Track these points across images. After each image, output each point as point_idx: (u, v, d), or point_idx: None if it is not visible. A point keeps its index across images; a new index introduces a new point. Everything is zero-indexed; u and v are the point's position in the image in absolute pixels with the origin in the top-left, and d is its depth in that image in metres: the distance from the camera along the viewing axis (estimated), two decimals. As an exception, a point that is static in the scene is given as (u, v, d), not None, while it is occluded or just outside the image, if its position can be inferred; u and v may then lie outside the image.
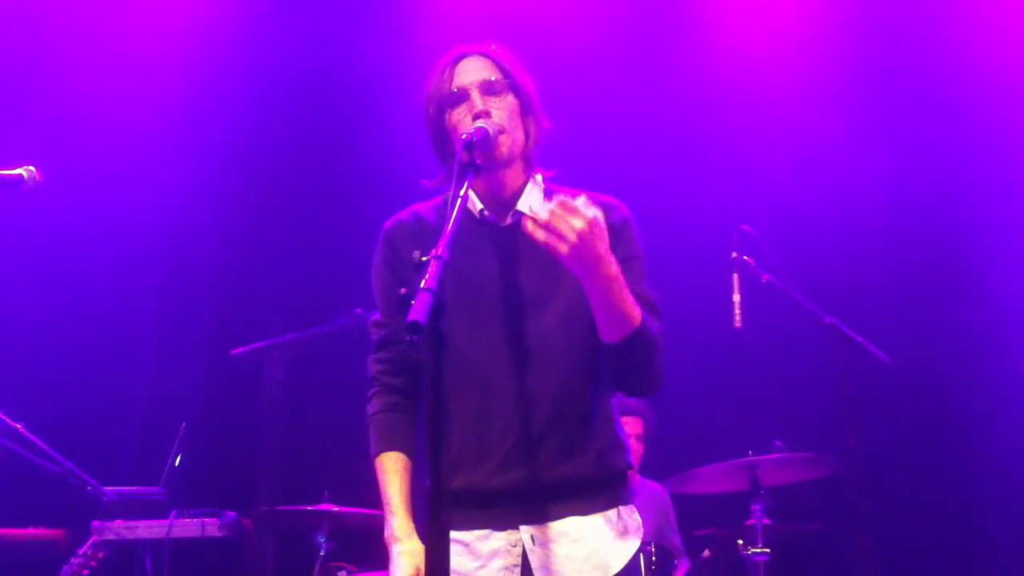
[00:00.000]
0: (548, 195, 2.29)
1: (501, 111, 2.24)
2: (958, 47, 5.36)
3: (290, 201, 5.54)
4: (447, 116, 2.28)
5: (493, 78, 2.26)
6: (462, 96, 2.26)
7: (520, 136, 2.28)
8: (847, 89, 5.44)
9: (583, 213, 1.95)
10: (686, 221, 5.28)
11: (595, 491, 2.25)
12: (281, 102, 5.54)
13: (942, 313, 5.23)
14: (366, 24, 5.56)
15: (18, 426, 4.03)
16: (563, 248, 1.95)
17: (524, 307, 2.24)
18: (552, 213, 1.94)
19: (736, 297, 4.20)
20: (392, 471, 2.27)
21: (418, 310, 1.71)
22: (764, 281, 4.23)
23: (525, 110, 2.29)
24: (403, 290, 1.79)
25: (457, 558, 2.18)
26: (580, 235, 1.94)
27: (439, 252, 1.81)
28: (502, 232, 2.30)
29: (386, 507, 2.26)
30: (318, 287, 5.27)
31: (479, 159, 2.12)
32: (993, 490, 5.09)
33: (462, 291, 2.20)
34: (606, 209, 2.17)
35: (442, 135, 2.30)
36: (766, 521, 4.19)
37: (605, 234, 1.99)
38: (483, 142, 2.15)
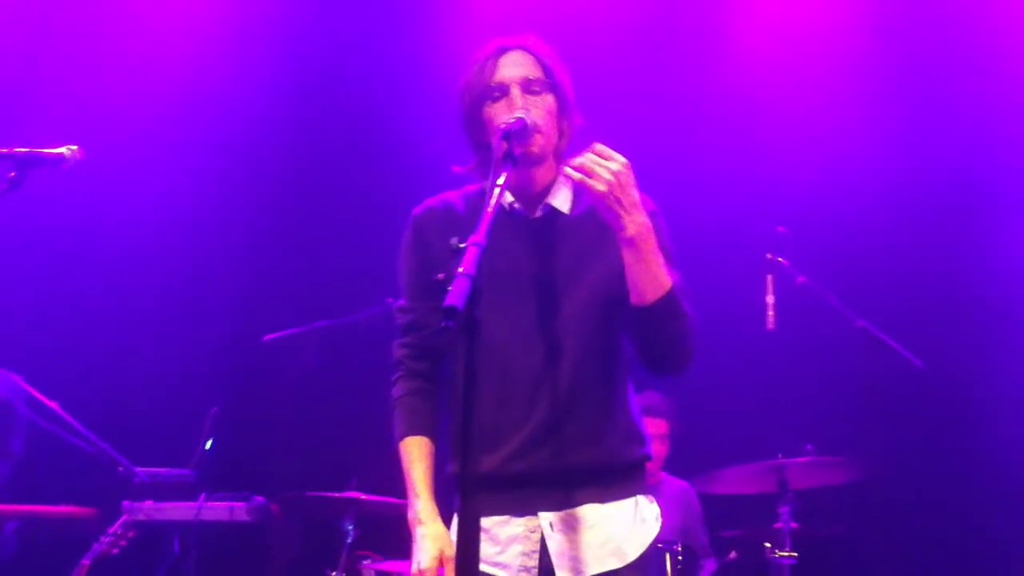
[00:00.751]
0: (578, 189, 2.31)
1: (539, 110, 2.25)
2: (996, 43, 5.29)
3: (324, 187, 5.56)
4: (485, 108, 2.28)
5: (533, 76, 2.27)
6: (502, 91, 2.27)
7: (554, 135, 2.29)
8: (881, 89, 5.38)
9: (617, 157, 2.08)
10: (720, 221, 5.25)
11: (613, 479, 2.26)
12: (317, 89, 5.56)
13: (976, 318, 5.17)
14: (400, 10, 5.58)
15: (53, 405, 4.09)
16: (600, 186, 2.06)
17: (548, 296, 2.25)
18: (588, 157, 2.07)
19: (770, 298, 4.17)
20: (416, 455, 2.29)
21: (455, 295, 1.72)
22: (798, 283, 4.20)
23: (561, 108, 2.30)
24: (440, 275, 1.80)
25: (477, 544, 2.19)
26: (616, 175, 2.05)
27: (477, 238, 1.83)
28: (531, 224, 2.31)
29: (410, 490, 2.28)
30: (350, 274, 5.28)
31: (517, 149, 2.13)
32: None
33: (488, 279, 2.21)
34: None
35: (477, 125, 2.30)
36: (793, 525, 4.15)
37: (635, 182, 2.10)
38: (521, 132, 2.16)
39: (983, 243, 5.23)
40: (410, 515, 2.27)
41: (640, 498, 2.29)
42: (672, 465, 4.67)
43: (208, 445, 4.36)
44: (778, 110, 5.41)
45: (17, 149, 2.45)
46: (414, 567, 2.21)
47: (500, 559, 2.23)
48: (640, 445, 2.31)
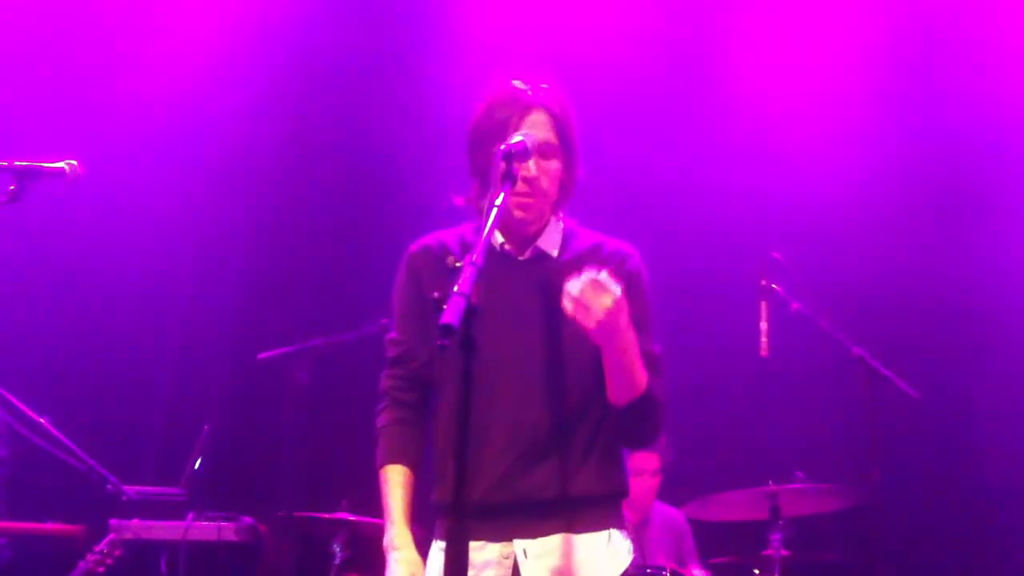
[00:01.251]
0: (567, 235, 2.39)
1: (547, 177, 2.30)
2: (999, 57, 5.32)
3: (320, 207, 5.57)
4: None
5: (548, 141, 2.31)
6: None
7: (553, 194, 2.35)
8: (876, 113, 5.40)
9: (612, 291, 2.08)
10: (714, 247, 5.26)
11: (588, 510, 2.29)
12: (317, 109, 5.58)
13: (972, 344, 5.18)
14: (413, 41, 5.60)
15: (43, 421, 4.07)
16: (591, 322, 2.08)
17: (533, 333, 2.30)
18: (583, 291, 2.08)
19: (763, 325, 4.17)
20: (395, 483, 2.33)
21: (451, 313, 1.73)
22: (793, 310, 4.21)
23: (566, 168, 2.35)
24: (436, 294, 1.81)
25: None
26: (608, 312, 2.08)
27: (474, 258, 1.84)
28: (519, 265, 2.36)
29: (387, 516, 2.32)
30: (345, 293, 5.28)
31: (517, 170, 2.15)
32: (1016, 524, 5.02)
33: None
34: (620, 257, 2.34)
35: (485, 166, 2.32)
36: (784, 552, 4.14)
37: (627, 308, 2.12)
38: (522, 154, 2.19)
39: (981, 267, 5.24)
40: (385, 541, 2.31)
41: (613, 531, 2.32)
42: (664, 491, 4.65)
43: (198, 464, 4.34)
44: (773, 136, 5.43)
45: (17, 162, 2.46)
46: None
47: None
48: (619, 478, 2.36)
